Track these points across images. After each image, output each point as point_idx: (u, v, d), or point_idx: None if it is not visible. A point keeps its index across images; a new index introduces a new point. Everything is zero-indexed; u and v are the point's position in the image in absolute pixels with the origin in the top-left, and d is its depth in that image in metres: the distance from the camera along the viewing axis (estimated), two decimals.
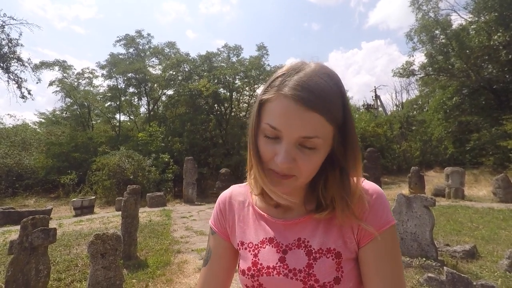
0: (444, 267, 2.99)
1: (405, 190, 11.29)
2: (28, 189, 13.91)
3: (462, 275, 2.79)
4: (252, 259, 0.64)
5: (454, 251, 3.86)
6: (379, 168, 11.05)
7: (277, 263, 0.61)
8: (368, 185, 0.62)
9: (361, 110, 29.41)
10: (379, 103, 33.36)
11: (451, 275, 2.76)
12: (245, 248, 0.67)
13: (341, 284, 0.57)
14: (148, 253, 4.57)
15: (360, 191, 0.59)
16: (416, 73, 20.88)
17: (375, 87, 32.52)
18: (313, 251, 0.60)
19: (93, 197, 9.90)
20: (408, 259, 3.53)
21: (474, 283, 2.69)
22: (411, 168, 10.91)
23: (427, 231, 3.54)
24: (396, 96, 51.33)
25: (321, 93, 0.51)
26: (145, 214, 7.81)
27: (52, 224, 6.52)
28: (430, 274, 2.92)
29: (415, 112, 26.45)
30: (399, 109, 32.15)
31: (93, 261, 2.84)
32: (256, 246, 0.65)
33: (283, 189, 0.57)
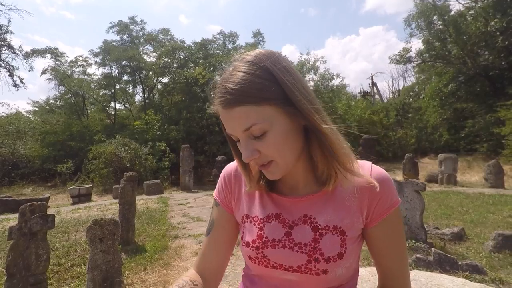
0: (432, 249, 3.11)
1: (399, 176, 11.46)
2: (24, 178, 13.89)
3: (449, 255, 2.91)
4: (258, 232, 0.66)
5: (442, 233, 3.99)
6: (374, 155, 11.15)
7: (282, 237, 0.64)
8: (376, 170, 0.64)
9: (357, 98, 29.37)
10: (375, 91, 33.33)
11: (438, 255, 2.88)
12: (250, 221, 0.69)
13: (343, 259, 0.61)
14: (146, 239, 4.66)
15: (348, 151, 0.61)
16: (413, 60, 20.82)
17: (371, 74, 32.46)
18: (320, 227, 0.62)
19: (90, 185, 9.94)
20: None
21: (460, 263, 2.82)
22: (405, 155, 11.06)
23: (417, 214, 3.64)
24: (392, 84, 51.37)
25: (238, 87, 0.53)
26: (143, 202, 7.90)
27: (50, 212, 6.58)
28: (418, 255, 3.03)
29: (411, 99, 26.51)
30: (396, 96, 32.17)
31: (92, 246, 2.91)
32: (262, 220, 0.67)
33: (272, 176, 0.61)
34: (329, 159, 0.60)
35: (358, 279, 0.68)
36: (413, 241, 3.55)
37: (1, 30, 15.79)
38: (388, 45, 78.84)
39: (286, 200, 0.67)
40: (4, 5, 16.65)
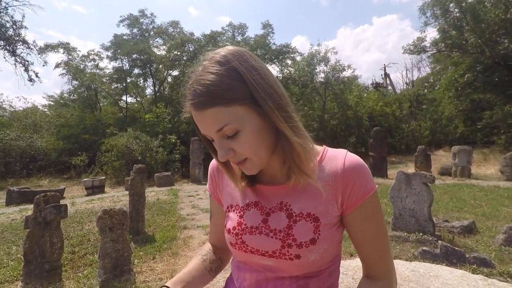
0: (439, 241, 3.07)
1: (411, 169, 11.27)
2: (41, 170, 14.41)
3: (456, 248, 2.87)
4: (238, 220, 0.70)
5: (452, 226, 3.93)
6: (385, 147, 10.96)
7: (260, 224, 0.67)
8: (349, 157, 0.65)
9: (369, 89, 28.79)
10: (388, 82, 32.57)
11: (444, 248, 2.85)
12: (233, 210, 0.73)
13: (316, 245, 0.62)
14: (156, 229, 4.78)
15: (307, 151, 0.62)
16: (428, 49, 20.16)
17: (384, 65, 31.66)
18: (294, 214, 0.64)
19: (103, 177, 10.22)
20: (405, 234, 3.62)
21: (467, 256, 2.77)
22: (418, 147, 10.83)
23: (425, 207, 3.59)
24: (406, 74, 49.91)
25: (208, 89, 0.54)
26: (153, 193, 8.07)
27: (66, 203, 6.83)
28: (424, 248, 3.01)
29: (425, 90, 25.78)
30: (410, 87, 31.37)
31: (102, 235, 3.01)
32: (242, 208, 0.71)
33: (249, 172, 0.64)
34: (289, 159, 0.62)
35: (341, 267, 0.69)
36: (420, 234, 3.51)
37: (16, 25, 16.16)
38: (402, 35, 76.53)
39: (265, 188, 0.70)
40: (18, 1, 17.04)
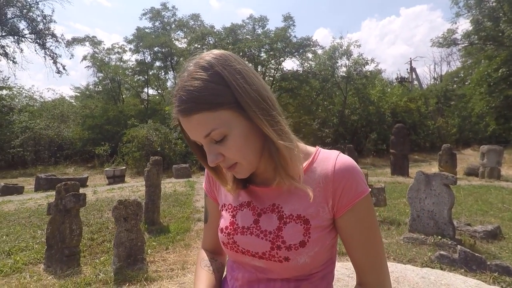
0: (458, 246, 2.92)
1: (435, 168, 10.81)
2: (68, 159, 15.16)
3: (476, 254, 2.72)
4: (230, 219, 0.71)
5: (474, 231, 3.73)
6: (407, 145, 10.56)
7: (251, 224, 0.67)
8: (340, 159, 0.64)
9: (394, 84, 27.73)
10: (414, 76, 31.21)
11: (464, 253, 2.70)
12: (226, 210, 0.74)
13: (306, 248, 0.61)
14: (171, 220, 4.90)
15: (293, 154, 0.61)
16: (459, 42, 19.06)
17: (411, 58, 30.28)
18: (285, 216, 0.64)
19: (124, 167, 10.58)
20: (423, 236, 3.48)
21: (489, 263, 2.62)
22: (442, 146, 10.34)
23: (445, 209, 3.42)
24: (434, 69, 47.59)
25: (193, 95, 0.54)
26: (171, 185, 8.26)
27: (88, 191, 7.15)
28: (442, 252, 2.87)
29: (454, 85, 24.49)
30: (437, 82, 29.92)
31: (117, 224, 3.12)
32: (235, 208, 0.71)
33: (240, 176, 0.64)
34: (275, 161, 0.61)
35: (336, 271, 0.66)
36: (439, 237, 3.36)
37: (46, 19, 16.90)
38: (432, 27, 72.49)
39: (258, 189, 0.70)
40: None
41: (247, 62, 0.63)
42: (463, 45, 19.34)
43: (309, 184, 0.63)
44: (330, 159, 0.64)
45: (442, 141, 17.71)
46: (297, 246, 0.61)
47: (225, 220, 0.72)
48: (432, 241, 3.35)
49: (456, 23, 18.24)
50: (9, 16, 16.25)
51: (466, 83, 22.35)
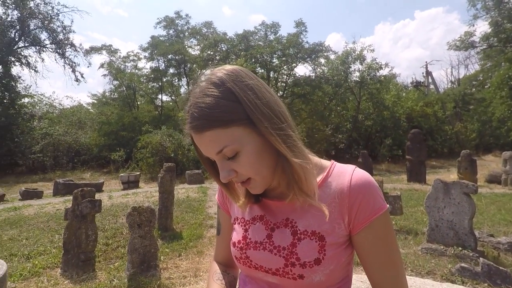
0: (481, 258, 2.79)
1: (454, 175, 10.46)
2: (84, 164, 15.58)
3: (501, 268, 2.58)
4: (243, 234, 0.70)
5: (498, 242, 3.55)
6: (424, 151, 10.27)
7: (264, 239, 0.66)
8: (357, 174, 0.62)
9: (409, 88, 27.17)
10: (430, 80, 30.51)
11: (487, 266, 2.58)
12: (239, 223, 0.73)
13: (321, 266, 0.60)
14: (184, 226, 4.92)
15: (307, 171, 0.60)
16: (477, 45, 18.55)
17: (426, 62, 29.59)
18: (299, 231, 0.62)
19: (138, 173, 10.75)
20: (442, 247, 3.34)
21: None
22: (462, 152, 9.99)
23: (465, 219, 3.29)
24: (451, 72, 46.34)
25: (205, 112, 0.55)
26: (184, 190, 8.32)
27: (103, 196, 7.29)
28: (463, 264, 2.75)
29: (473, 89, 23.75)
30: (455, 86, 29.11)
31: (131, 230, 3.15)
32: (248, 222, 0.70)
33: (254, 191, 0.64)
34: (288, 177, 0.61)
35: None
36: (460, 248, 3.22)
37: (65, 30, 17.59)
38: (449, 29, 70.73)
39: (271, 203, 0.69)
40: (68, 7, 18.51)
41: (259, 77, 0.62)
42: (481, 48, 18.80)
43: (324, 199, 0.62)
44: (346, 173, 0.63)
45: (460, 147, 17.15)
46: (312, 263, 0.60)
47: (237, 234, 0.71)
48: (452, 252, 3.21)
49: (473, 25, 17.82)
50: (31, 27, 17.01)
51: (485, 87, 21.66)
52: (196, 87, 0.60)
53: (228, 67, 0.60)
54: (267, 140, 0.58)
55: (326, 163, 0.69)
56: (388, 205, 0.62)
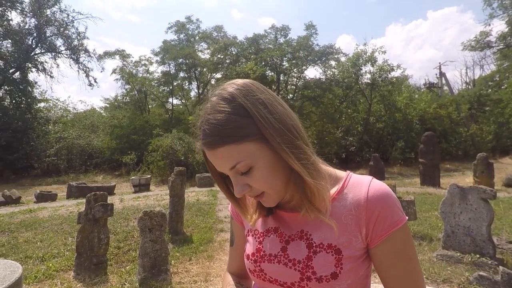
0: (500, 266, 2.68)
1: (469, 178, 10.16)
2: (97, 167, 15.88)
3: None
4: (257, 246, 0.69)
5: None
6: (437, 154, 10.03)
7: (279, 252, 0.64)
8: (374, 186, 0.61)
9: (421, 90, 26.64)
10: (443, 81, 29.83)
11: (507, 275, 2.47)
12: (252, 235, 0.72)
13: (338, 280, 0.58)
14: (194, 230, 4.93)
15: (320, 186, 0.59)
16: (493, 45, 18.09)
17: (440, 63, 28.93)
18: (314, 244, 0.61)
19: (149, 176, 10.88)
20: (458, 254, 3.23)
21: None
22: (478, 155, 9.70)
23: (483, 225, 3.17)
24: (466, 73, 45.14)
25: (217, 129, 0.55)
26: (194, 194, 8.36)
27: (115, 199, 7.40)
28: (482, 273, 2.65)
29: (489, 90, 23.09)
30: (470, 87, 28.39)
31: (142, 235, 3.17)
32: (262, 234, 0.69)
33: (268, 204, 0.64)
34: (300, 192, 0.60)
35: None
36: (477, 256, 3.11)
37: (80, 36, 18.07)
38: (463, 29, 69.33)
39: (286, 214, 0.68)
40: (83, 14, 19.02)
41: (271, 90, 0.61)
42: (498, 48, 18.31)
43: (340, 211, 0.60)
44: (363, 185, 0.61)
45: (476, 149, 16.69)
46: (329, 278, 0.58)
47: (251, 246, 0.70)
48: (470, 259, 3.10)
49: (489, 24, 17.41)
50: (48, 34, 17.54)
51: (502, 87, 21.04)
52: (207, 101, 0.59)
53: (239, 81, 0.60)
54: (280, 154, 0.57)
55: (341, 173, 0.67)
56: (406, 218, 0.60)
